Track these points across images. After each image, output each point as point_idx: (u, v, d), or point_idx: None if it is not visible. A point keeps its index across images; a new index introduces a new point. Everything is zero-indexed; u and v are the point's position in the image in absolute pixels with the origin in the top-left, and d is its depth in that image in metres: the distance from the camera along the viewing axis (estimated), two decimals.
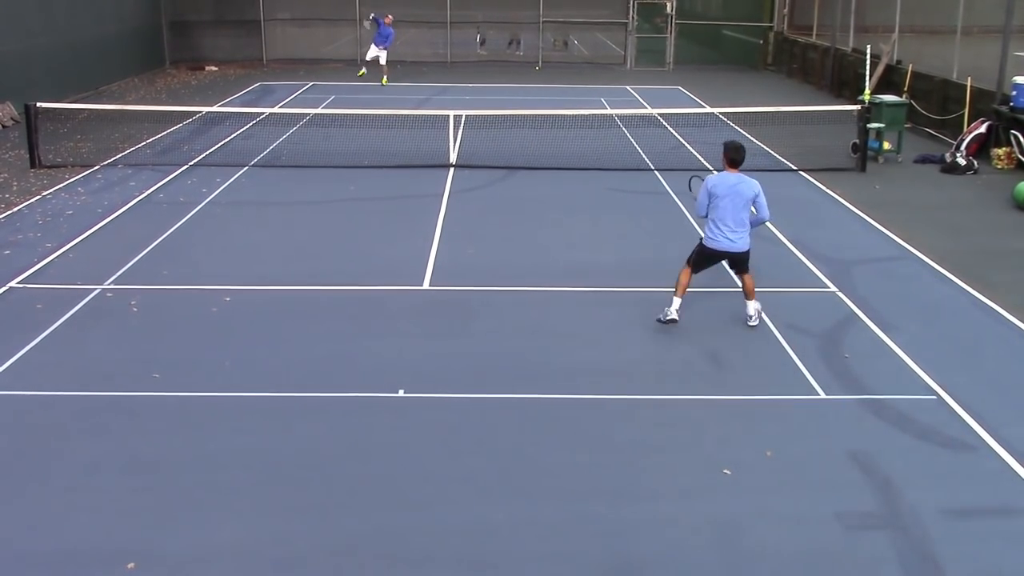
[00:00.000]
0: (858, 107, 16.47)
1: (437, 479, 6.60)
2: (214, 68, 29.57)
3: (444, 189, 14.47)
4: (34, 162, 15.50)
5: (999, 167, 16.16)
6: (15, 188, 14.26)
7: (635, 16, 32.09)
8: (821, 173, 15.79)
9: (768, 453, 6.96)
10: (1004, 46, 17.14)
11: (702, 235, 9.29)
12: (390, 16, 26.38)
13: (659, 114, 20.09)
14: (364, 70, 27.01)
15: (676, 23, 32.15)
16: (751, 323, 9.28)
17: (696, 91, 25.88)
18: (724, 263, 9.54)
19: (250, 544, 5.86)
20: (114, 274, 10.53)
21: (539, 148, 16.60)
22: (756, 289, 9.25)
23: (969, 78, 17.80)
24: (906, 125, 17.35)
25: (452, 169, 15.71)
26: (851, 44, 24.72)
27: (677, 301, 9.22)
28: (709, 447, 7.08)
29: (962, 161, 16.16)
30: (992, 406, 7.72)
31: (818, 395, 7.90)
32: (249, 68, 29.93)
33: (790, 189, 14.94)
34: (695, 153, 17.01)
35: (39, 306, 9.58)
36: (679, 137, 18.48)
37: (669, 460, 6.90)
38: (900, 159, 16.90)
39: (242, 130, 18.65)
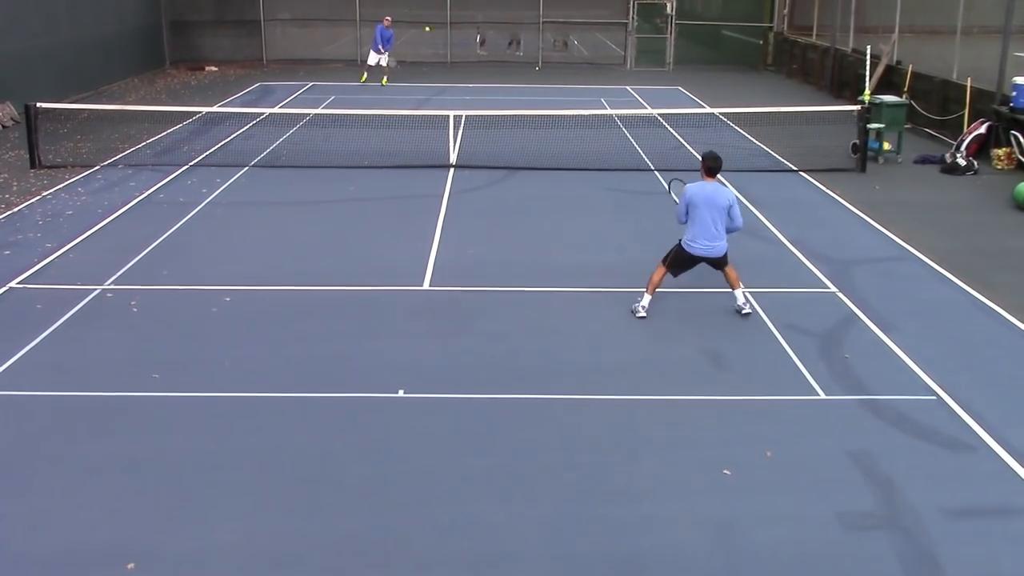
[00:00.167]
0: (858, 107, 16.48)
1: (437, 479, 6.61)
2: (214, 68, 29.57)
3: (444, 189, 14.47)
4: (34, 162, 15.51)
5: (999, 167, 16.16)
6: (15, 188, 14.27)
7: (635, 16, 32.10)
8: (821, 173, 15.79)
9: (768, 453, 6.96)
10: (1004, 46, 17.15)
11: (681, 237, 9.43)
12: (388, 18, 26.06)
13: (659, 114, 20.10)
14: (364, 77, 26.46)
15: (676, 23, 32.16)
16: (744, 311, 9.43)
17: (696, 91, 25.88)
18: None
19: (250, 544, 5.86)
20: (114, 274, 10.53)
21: (539, 148, 16.61)
22: (757, 289, 9.27)
23: (969, 78, 17.81)
24: (906, 125, 17.36)
25: (452, 169, 15.71)
26: (851, 44, 24.72)
27: (647, 298, 9.50)
28: (709, 447, 7.08)
29: (962, 161, 16.16)
30: (992, 406, 7.72)
31: (818, 395, 7.91)
32: (249, 68, 29.93)
33: (790, 189, 14.96)
34: (695, 153, 16.99)
35: (39, 306, 9.59)
36: (679, 137, 18.48)
37: (669, 460, 6.90)
38: (900, 159, 16.91)
39: (242, 130, 18.66)
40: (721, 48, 33.51)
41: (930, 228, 12.81)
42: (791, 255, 11.56)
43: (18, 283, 10.26)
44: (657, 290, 9.52)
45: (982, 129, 16.84)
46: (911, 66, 20.35)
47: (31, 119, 15.45)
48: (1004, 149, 16.26)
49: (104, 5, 25.07)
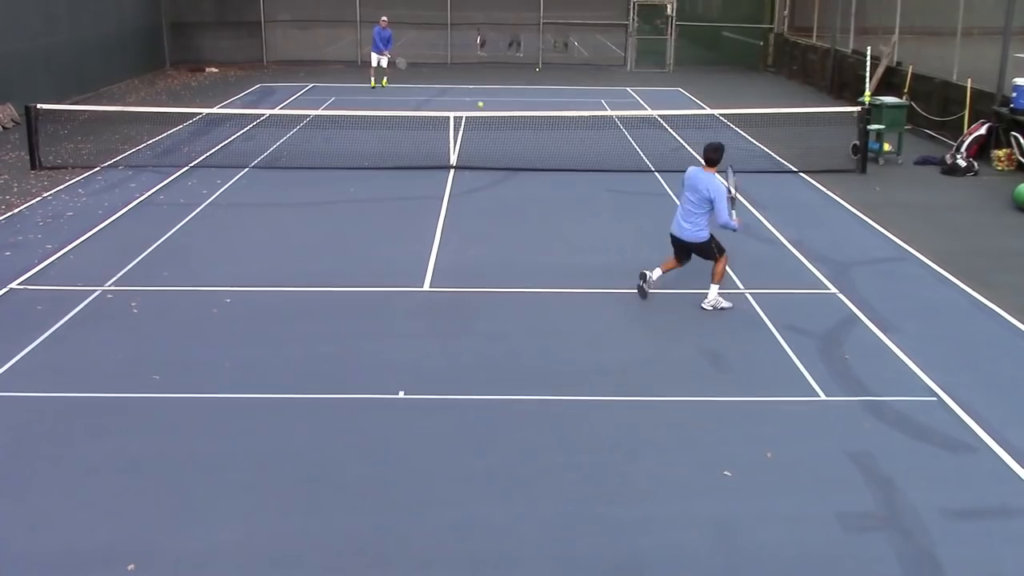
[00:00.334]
0: (858, 109, 16.48)
1: (437, 479, 6.61)
2: (214, 69, 29.58)
3: (444, 190, 14.48)
4: (35, 164, 15.51)
5: (999, 169, 16.15)
6: (16, 190, 14.28)
7: (635, 17, 32.11)
8: (821, 174, 15.79)
9: (768, 454, 6.96)
10: (1004, 47, 17.15)
11: None
12: (384, 19, 25.86)
13: (659, 115, 20.10)
14: (373, 81, 26.03)
15: (676, 24, 32.15)
16: (703, 305, 9.62)
17: (696, 93, 25.88)
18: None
19: (250, 544, 5.86)
20: (115, 275, 10.53)
21: (539, 149, 16.61)
22: (757, 290, 9.28)
23: (969, 79, 17.80)
24: (906, 127, 17.36)
25: (452, 170, 15.71)
26: (851, 46, 24.72)
27: (658, 272, 9.88)
28: (709, 447, 7.08)
29: (962, 163, 16.16)
30: (992, 407, 7.72)
31: (818, 396, 7.91)
32: (249, 69, 29.93)
33: (790, 190, 14.96)
34: (696, 155, 16.99)
35: (40, 307, 9.59)
36: (679, 139, 18.48)
37: (669, 460, 6.90)
38: (900, 161, 16.91)
39: (242, 131, 18.66)
40: (721, 49, 33.51)
41: (930, 229, 12.81)
42: (791, 256, 11.57)
43: (19, 284, 10.26)
44: (658, 290, 9.54)
45: (982, 130, 16.84)
46: (911, 67, 20.35)
47: (32, 120, 15.46)
48: (1004, 150, 16.26)
49: (104, 6, 25.08)
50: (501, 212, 13.49)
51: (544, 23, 32.04)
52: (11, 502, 6.30)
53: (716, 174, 9.37)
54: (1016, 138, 16.11)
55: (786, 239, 12.19)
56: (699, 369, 8.42)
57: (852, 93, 22.04)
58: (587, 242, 12.03)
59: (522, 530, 6.04)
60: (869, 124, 16.19)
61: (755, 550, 5.87)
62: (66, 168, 15.58)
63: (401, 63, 26.29)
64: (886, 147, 16.84)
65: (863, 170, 15.99)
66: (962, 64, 18.62)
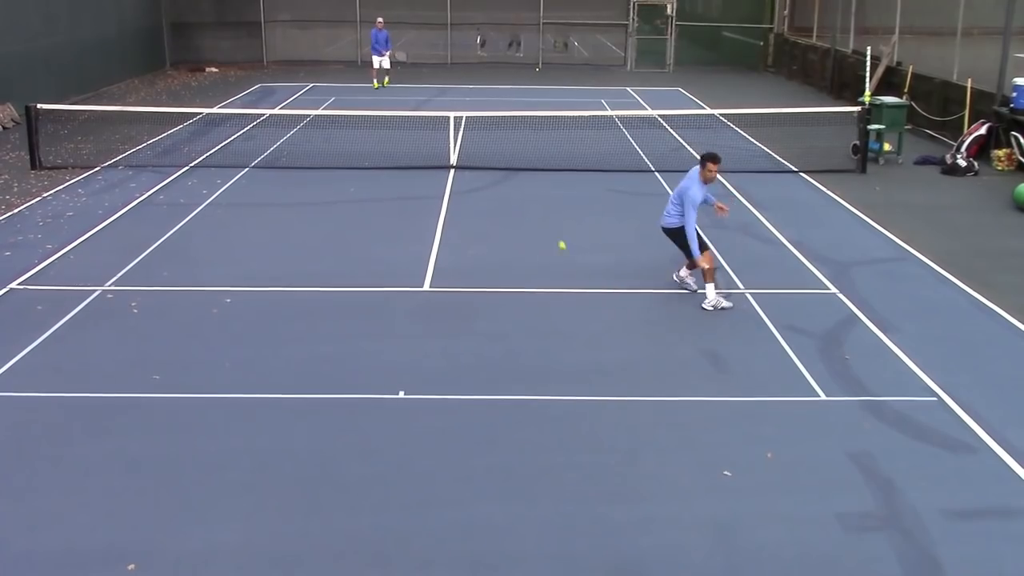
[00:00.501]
0: (858, 108, 16.48)
1: (437, 480, 6.61)
2: (214, 69, 29.58)
3: (445, 190, 14.48)
4: (35, 163, 15.51)
5: (999, 169, 16.15)
6: (16, 189, 14.28)
7: (635, 18, 32.11)
8: (822, 174, 15.78)
9: (768, 454, 6.96)
10: (1004, 47, 17.14)
11: None
12: (380, 20, 25.69)
13: (659, 115, 20.10)
14: (376, 83, 25.98)
15: (676, 24, 32.15)
16: (704, 306, 9.74)
17: (696, 93, 25.88)
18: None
19: (250, 544, 5.86)
20: (114, 275, 10.53)
21: (539, 149, 16.61)
22: (757, 290, 9.29)
23: (969, 79, 17.80)
24: (906, 127, 17.36)
25: (452, 170, 15.71)
26: (851, 46, 24.72)
27: (683, 272, 10.21)
28: (709, 448, 7.08)
29: (962, 163, 16.16)
30: (992, 407, 7.72)
31: (818, 396, 7.90)
32: (249, 69, 29.94)
33: (791, 190, 14.96)
34: (696, 155, 16.99)
35: (40, 307, 9.59)
36: (679, 139, 18.48)
37: (669, 460, 6.90)
38: (900, 160, 16.91)
39: (242, 131, 18.67)
40: (721, 49, 33.50)
41: (930, 229, 12.81)
42: (791, 256, 11.56)
43: (19, 284, 10.26)
44: (656, 291, 9.55)
45: (982, 130, 16.84)
46: (911, 67, 20.35)
47: (32, 120, 15.46)
48: (1004, 150, 16.25)
49: (104, 6, 25.08)
50: (501, 212, 13.49)
51: (544, 23, 32.04)
52: (11, 502, 6.30)
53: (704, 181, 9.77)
54: (1016, 138, 16.11)
55: (786, 239, 12.19)
56: (699, 369, 8.42)
57: (852, 93, 22.04)
58: (587, 242, 12.01)
59: (522, 530, 6.04)
60: (869, 124, 16.19)
61: (755, 550, 5.87)
62: (66, 168, 15.58)
63: (401, 55, 26.26)
64: (886, 147, 16.84)
65: (863, 170, 15.99)
66: (962, 64, 18.62)
